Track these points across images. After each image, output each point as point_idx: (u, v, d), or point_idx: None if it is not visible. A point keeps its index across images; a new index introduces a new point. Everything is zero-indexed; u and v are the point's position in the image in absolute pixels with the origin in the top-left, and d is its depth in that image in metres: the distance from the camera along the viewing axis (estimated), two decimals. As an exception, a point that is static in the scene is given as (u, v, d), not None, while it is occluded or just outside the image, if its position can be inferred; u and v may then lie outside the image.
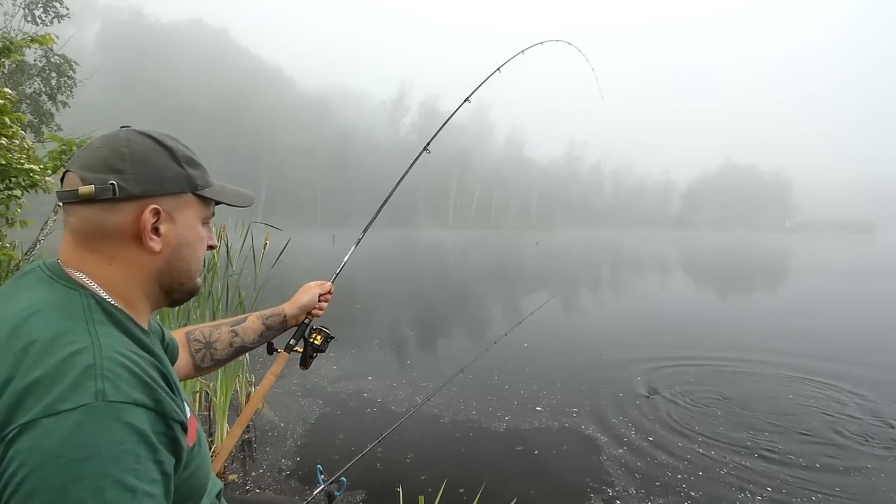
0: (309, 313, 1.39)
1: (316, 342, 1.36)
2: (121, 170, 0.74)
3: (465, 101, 1.82)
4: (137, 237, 0.75)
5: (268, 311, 1.32)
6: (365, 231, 1.64)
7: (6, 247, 3.53)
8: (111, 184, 0.72)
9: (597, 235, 64.00)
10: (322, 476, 1.17)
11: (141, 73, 62.42)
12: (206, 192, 0.82)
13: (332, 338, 1.38)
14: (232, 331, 1.23)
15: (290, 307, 1.35)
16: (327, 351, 1.38)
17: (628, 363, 6.00)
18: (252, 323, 1.27)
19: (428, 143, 1.69)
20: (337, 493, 1.17)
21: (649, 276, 19.72)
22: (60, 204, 0.76)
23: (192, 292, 0.86)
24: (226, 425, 3.43)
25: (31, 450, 0.56)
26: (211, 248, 0.89)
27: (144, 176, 0.75)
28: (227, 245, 3.96)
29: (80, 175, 0.73)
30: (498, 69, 1.80)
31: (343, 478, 1.20)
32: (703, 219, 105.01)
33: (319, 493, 1.16)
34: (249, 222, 4.29)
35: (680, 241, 50.48)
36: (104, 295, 0.73)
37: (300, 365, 1.36)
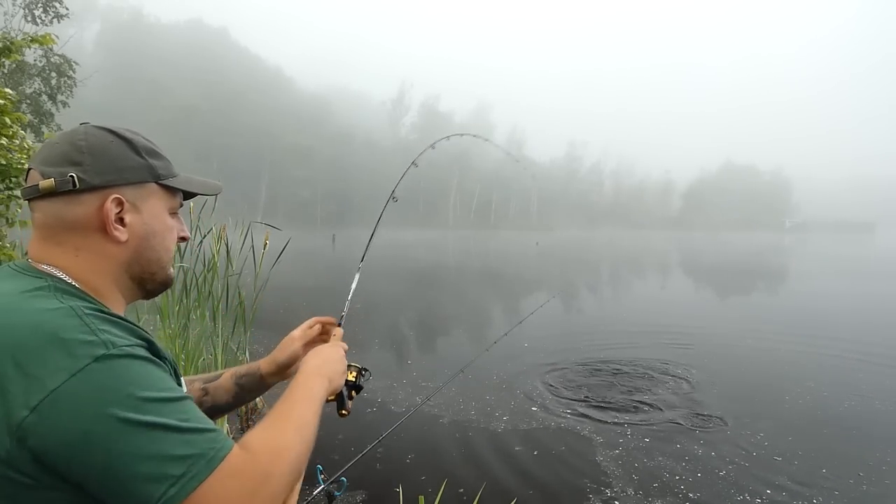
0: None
1: (349, 378, 1.13)
2: (79, 162, 0.74)
3: (412, 163, 1.78)
4: (102, 228, 0.76)
5: (242, 369, 1.15)
6: (363, 258, 1.51)
7: (6, 247, 3.54)
8: (70, 176, 0.73)
9: (597, 235, 64.01)
10: (322, 476, 1.16)
11: (141, 73, 62.45)
12: (170, 182, 0.83)
13: (367, 370, 1.17)
14: (203, 388, 1.11)
15: (266, 364, 1.15)
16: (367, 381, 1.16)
17: (626, 363, 6.01)
18: (225, 381, 1.13)
19: (395, 187, 1.64)
20: (337, 493, 1.16)
21: (648, 276, 19.74)
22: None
23: (166, 283, 0.86)
24: (226, 425, 3.43)
25: (80, 406, 0.59)
26: (183, 239, 0.88)
27: (104, 167, 0.75)
28: (227, 245, 3.96)
29: (41, 170, 0.74)
30: (413, 163, 1.79)
31: (343, 478, 1.19)
32: (703, 219, 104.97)
33: (319, 493, 1.15)
34: (249, 222, 4.29)
35: (680, 242, 50.50)
36: (71, 282, 0.74)
37: (338, 412, 1.11)
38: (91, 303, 0.73)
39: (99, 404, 0.59)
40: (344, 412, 1.09)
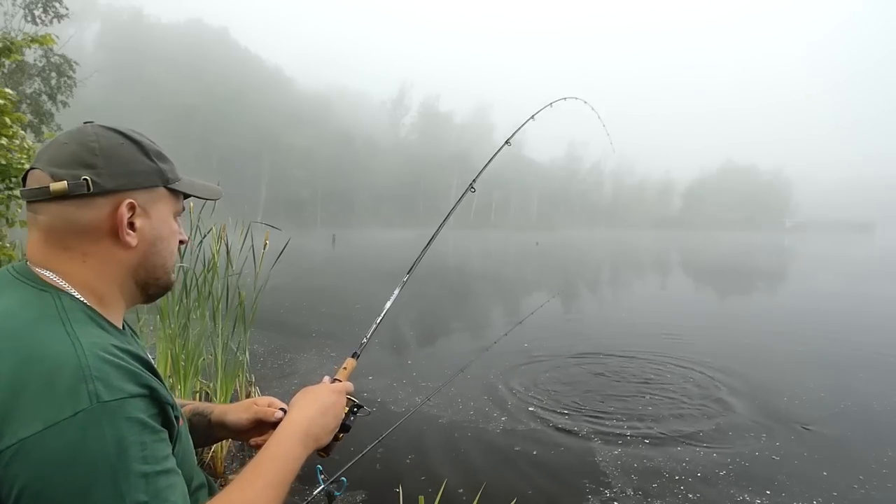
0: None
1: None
2: (93, 165, 0.72)
3: (505, 143, 1.67)
4: (113, 233, 0.74)
5: (201, 406, 1.06)
6: (411, 269, 1.37)
7: (6, 247, 3.55)
8: (85, 179, 0.71)
9: (597, 235, 64.03)
10: (322, 476, 1.16)
11: (141, 73, 62.50)
12: (177, 186, 0.82)
13: (361, 407, 1.03)
14: None
15: (217, 415, 1.04)
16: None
17: (626, 363, 6.01)
18: (184, 413, 1.00)
19: (472, 182, 1.52)
20: (337, 493, 1.16)
21: (648, 276, 19.74)
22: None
23: (167, 287, 0.86)
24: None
25: (41, 464, 0.58)
26: (182, 243, 0.87)
27: (117, 170, 0.74)
28: (227, 245, 3.96)
29: (50, 172, 0.72)
30: (532, 117, 1.74)
31: (343, 478, 1.19)
32: (703, 219, 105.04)
33: (319, 493, 1.15)
34: (249, 222, 4.29)
35: (679, 242, 50.50)
36: (76, 294, 0.73)
37: (318, 452, 0.98)
38: (102, 328, 0.71)
39: (58, 467, 0.58)
40: (323, 454, 0.98)
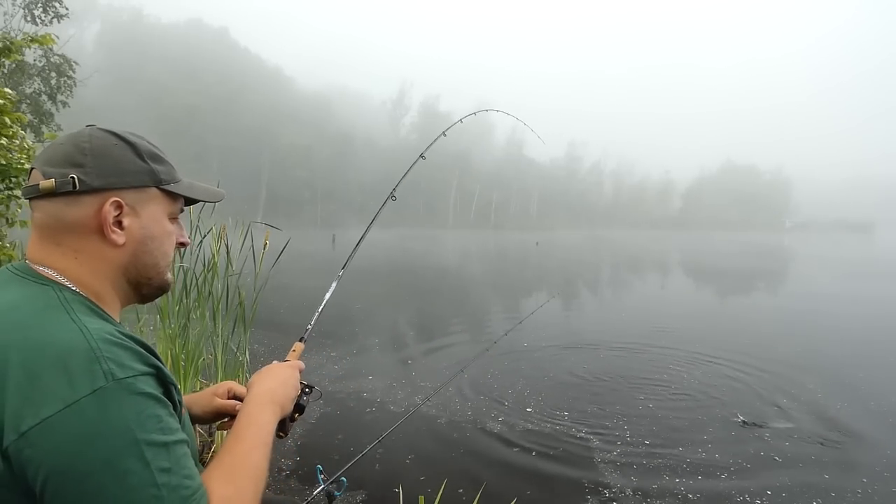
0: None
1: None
2: (81, 164, 0.75)
3: (419, 157, 1.80)
4: (100, 230, 0.76)
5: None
6: (345, 265, 1.45)
7: (6, 247, 3.54)
8: (71, 177, 0.73)
9: (597, 236, 64.01)
10: (322, 476, 1.16)
11: (141, 73, 62.44)
12: (171, 187, 0.83)
13: (312, 388, 1.08)
14: None
15: (186, 404, 1.01)
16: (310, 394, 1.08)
17: (625, 364, 6.01)
18: None
19: (393, 190, 1.60)
20: (337, 493, 1.16)
21: (647, 277, 19.73)
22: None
23: (162, 288, 0.86)
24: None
25: (66, 440, 0.60)
26: (182, 244, 0.88)
27: (105, 169, 0.76)
28: (227, 245, 3.96)
29: (42, 170, 0.75)
30: (443, 133, 1.86)
31: (343, 478, 1.19)
32: (703, 219, 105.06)
33: (319, 493, 1.15)
34: (249, 222, 4.29)
35: (679, 242, 50.49)
36: (74, 288, 0.74)
37: (276, 434, 0.96)
38: (102, 318, 0.73)
39: (83, 442, 0.60)
40: (282, 434, 1.01)
